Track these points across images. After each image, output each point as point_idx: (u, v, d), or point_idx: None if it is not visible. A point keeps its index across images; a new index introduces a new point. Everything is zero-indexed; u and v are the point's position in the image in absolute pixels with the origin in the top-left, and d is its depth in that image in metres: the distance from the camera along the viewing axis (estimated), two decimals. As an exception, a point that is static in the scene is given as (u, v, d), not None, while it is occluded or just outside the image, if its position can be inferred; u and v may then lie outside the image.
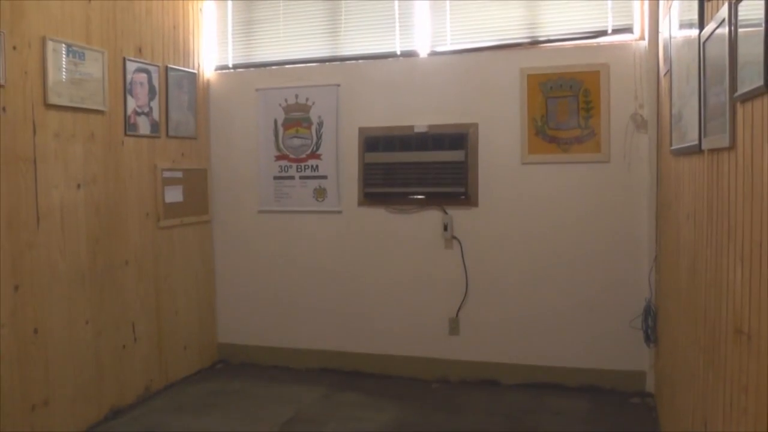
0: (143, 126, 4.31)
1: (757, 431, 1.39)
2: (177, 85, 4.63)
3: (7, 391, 3.29)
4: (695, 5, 2.23)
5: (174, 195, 4.61)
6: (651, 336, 4.04)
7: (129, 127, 4.18)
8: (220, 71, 5.07)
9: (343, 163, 4.80)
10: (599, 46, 4.30)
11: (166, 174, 4.53)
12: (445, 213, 4.59)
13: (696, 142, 2.20)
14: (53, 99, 3.56)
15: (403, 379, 4.69)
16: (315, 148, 4.85)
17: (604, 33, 4.30)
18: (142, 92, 4.29)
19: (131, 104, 4.19)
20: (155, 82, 4.40)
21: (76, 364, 3.76)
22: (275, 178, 4.95)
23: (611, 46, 4.28)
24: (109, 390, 4.02)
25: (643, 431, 3.74)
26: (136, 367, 4.27)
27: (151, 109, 4.37)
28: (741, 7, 1.54)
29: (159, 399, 4.37)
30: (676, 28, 2.85)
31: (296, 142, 4.89)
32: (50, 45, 3.54)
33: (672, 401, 3.09)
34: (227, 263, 5.13)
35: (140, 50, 4.28)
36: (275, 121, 4.92)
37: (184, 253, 4.75)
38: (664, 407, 3.50)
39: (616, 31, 4.28)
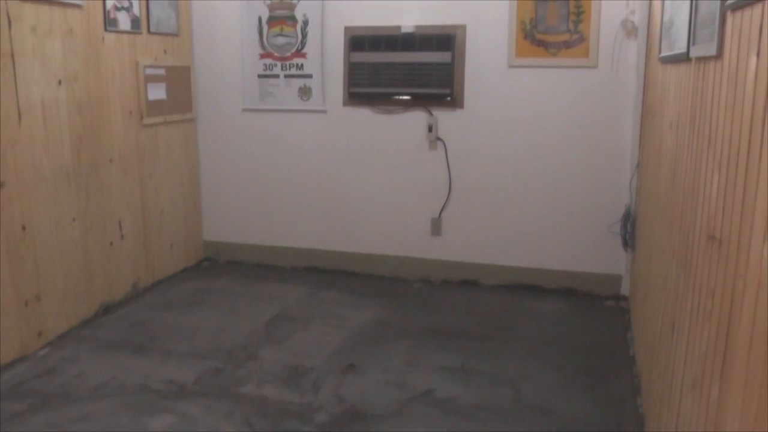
0: (123, 22, 4.19)
1: (719, 334, 1.47)
2: (157, -23, 4.46)
3: (2, 287, 3.35)
4: None
5: (157, 92, 4.54)
6: (629, 241, 4.15)
7: (109, 23, 4.06)
8: (201, -36, 4.89)
9: (328, 62, 4.73)
10: (593, -54, 4.18)
11: (149, 71, 4.44)
12: (431, 114, 4.57)
13: (684, 50, 2.19)
14: (29, -10, 3.44)
15: (386, 279, 4.82)
16: (300, 47, 4.76)
17: (599, -68, 4.17)
18: (121, -15, 4.14)
19: (110, -2, 4.06)
20: (135, -25, 4.25)
21: (65, 261, 3.82)
22: (260, 76, 4.88)
23: (605, -54, 4.16)
24: (98, 286, 4.10)
25: (614, 332, 3.91)
26: (124, 264, 4.34)
27: (131, 4, 4.23)
28: None
29: (147, 296, 4.47)
30: (673, -71, 2.77)
31: (281, 40, 4.79)
32: (23, -68, 3.38)
33: (644, 304, 3.21)
34: (212, 162, 5.12)
35: (118, -60, 4.10)
36: (259, 19, 4.80)
37: (168, 152, 4.73)
38: (637, 310, 3.64)
39: (611, -70, 4.15)
